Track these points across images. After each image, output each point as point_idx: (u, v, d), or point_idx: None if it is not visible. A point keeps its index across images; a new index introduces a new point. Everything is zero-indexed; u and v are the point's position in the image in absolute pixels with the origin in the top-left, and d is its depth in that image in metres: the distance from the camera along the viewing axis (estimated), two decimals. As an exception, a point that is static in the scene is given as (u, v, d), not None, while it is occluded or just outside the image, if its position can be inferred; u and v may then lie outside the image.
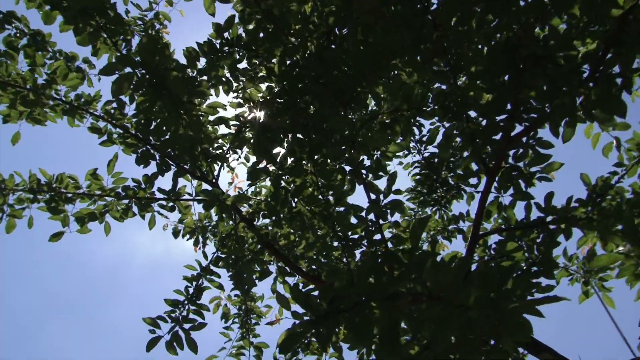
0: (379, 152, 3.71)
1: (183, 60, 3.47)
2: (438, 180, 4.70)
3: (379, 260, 2.35)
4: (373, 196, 3.55)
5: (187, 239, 4.80)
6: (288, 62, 3.60)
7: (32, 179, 4.18)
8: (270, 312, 4.77)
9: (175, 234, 4.72)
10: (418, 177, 4.77)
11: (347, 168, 3.62)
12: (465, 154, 3.41)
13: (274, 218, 3.83)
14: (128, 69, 2.91)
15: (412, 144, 4.71)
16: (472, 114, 3.39)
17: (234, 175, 4.80)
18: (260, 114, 3.66)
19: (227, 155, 4.09)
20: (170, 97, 3.07)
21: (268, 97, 3.75)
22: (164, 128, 3.48)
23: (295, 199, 3.77)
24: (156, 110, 3.10)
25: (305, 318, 2.29)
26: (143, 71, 2.93)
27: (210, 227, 4.94)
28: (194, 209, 4.84)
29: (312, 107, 3.62)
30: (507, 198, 3.27)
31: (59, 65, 4.03)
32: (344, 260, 3.94)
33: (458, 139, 3.30)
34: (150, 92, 2.98)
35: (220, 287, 4.08)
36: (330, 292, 2.21)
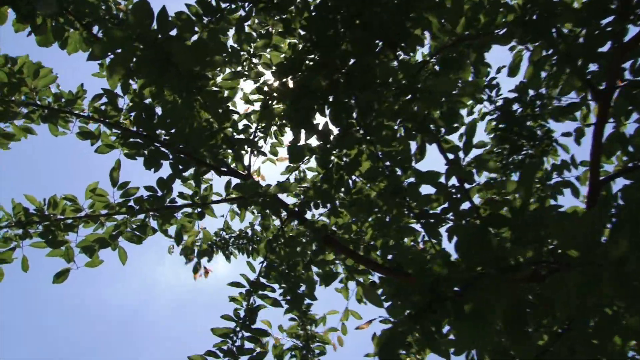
0: (446, 100, 3.73)
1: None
2: (522, 134, 4.66)
3: (481, 227, 2.41)
4: (451, 156, 3.62)
5: (207, 260, 5.01)
6: (313, 4, 3.64)
7: (18, 209, 4.32)
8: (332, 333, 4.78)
9: (187, 251, 4.91)
10: (496, 133, 4.74)
11: (410, 127, 3.67)
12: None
13: (329, 206, 3.91)
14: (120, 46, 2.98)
15: (483, 93, 4.69)
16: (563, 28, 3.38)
17: (260, 176, 4.96)
18: (288, 79, 3.73)
19: (255, 138, 4.13)
20: (178, 74, 3.13)
21: (293, 57, 3.80)
22: (174, 116, 3.57)
23: (352, 177, 3.85)
24: (163, 93, 3.16)
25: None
26: (141, 46, 3.00)
27: (248, 234, 5.08)
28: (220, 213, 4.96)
29: (351, 58, 3.66)
30: (630, 126, 3.23)
31: (24, 61, 4.14)
32: (429, 242, 4.00)
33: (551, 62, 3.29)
34: (154, 71, 3.06)
35: (276, 303, 4.19)
36: (427, 277, 2.27)
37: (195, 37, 3.27)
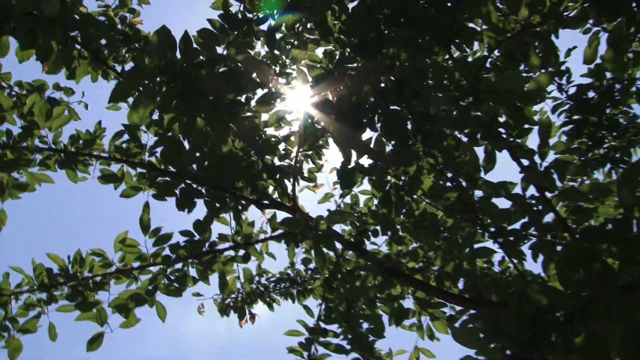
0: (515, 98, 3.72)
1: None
2: (602, 124, 4.58)
3: (580, 244, 2.38)
4: (525, 162, 3.60)
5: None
6: (350, 4, 3.68)
7: (39, 270, 4.40)
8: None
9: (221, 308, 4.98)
10: (570, 125, 4.70)
11: (474, 133, 3.67)
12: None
13: (390, 233, 3.92)
14: (145, 82, 3.06)
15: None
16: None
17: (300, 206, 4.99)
18: (328, 91, 3.74)
19: (297, 165, 4.20)
20: (209, 104, 3.22)
21: (330, 67, 3.85)
22: (207, 148, 3.64)
23: (414, 197, 3.86)
24: (194, 125, 3.23)
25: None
26: (165, 79, 3.09)
27: (290, 276, 5.12)
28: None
29: (399, 62, 3.68)
30: None
31: (34, 100, 4.22)
32: (506, 262, 3.98)
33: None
34: (184, 103, 3.12)
35: (341, 349, 4.19)
36: (526, 306, 2.25)
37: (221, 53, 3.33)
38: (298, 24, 4.17)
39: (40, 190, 4.49)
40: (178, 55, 3.12)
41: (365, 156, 3.71)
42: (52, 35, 3.75)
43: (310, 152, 4.69)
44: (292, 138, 4.34)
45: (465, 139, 3.65)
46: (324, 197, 4.84)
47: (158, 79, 3.10)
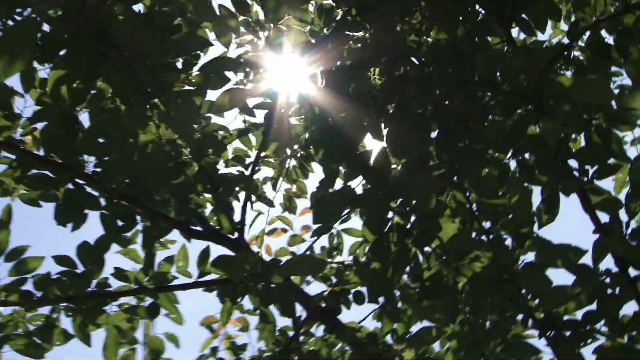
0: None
1: None
2: None
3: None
4: (604, 217, 3.59)
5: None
6: None
7: None
8: None
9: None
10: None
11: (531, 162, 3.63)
12: None
13: (382, 300, 3.92)
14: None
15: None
16: None
17: (266, 247, 5.02)
18: (316, 73, 3.74)
19: (256, 178, 4.16)
20: (124, 62, 3.13)
21: (327, 33, 3.84)
22: (113, 134, 3.59)
23: (425, 248, 3.84)
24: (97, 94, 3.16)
25: None
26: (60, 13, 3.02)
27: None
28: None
29: (426, 37, 3.69)
30: None
31: None
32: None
33: None
34: (83, 55, 3.08)
35: None
36: None
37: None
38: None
39: None
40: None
41: (360, 177, 3.71)
42: None
43: (286, 163, 4.68)
44: (252, 135, 4.27)
45: (516, 170, 3.65)
46: (291, 238, 4.90)
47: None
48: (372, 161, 3.63)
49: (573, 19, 3.88)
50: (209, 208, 4.33)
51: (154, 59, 3.39)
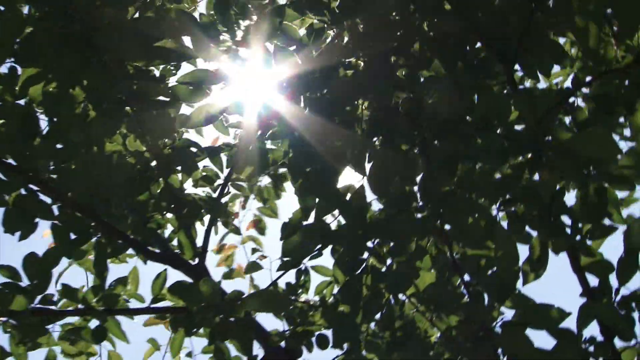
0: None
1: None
2: None
3: None
4: (593, 280, 3.44)
5: None
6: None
7: None
8: None
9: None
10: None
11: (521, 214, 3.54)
12: None
13: (346, 346, 3.77)
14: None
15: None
16: None
17: (227, 258, 4.88)
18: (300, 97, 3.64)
19: (225, 201, 4.09)
20: (103, 65, 3.11)
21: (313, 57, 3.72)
22: (75, 139, 3.48)
23: (400, 295, 3.73)
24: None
25: None
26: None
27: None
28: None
29: (424, 69, 3.61)
30: None
31: None
32: None
33: None
34: (66, 56, 3.05)
35: None
36: None
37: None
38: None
39: None
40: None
41: (336, 210, 3.62)
42: None
43: (258, 184, 4.63)
44: (223, 155, 4.19)
45: (504, 220, 3.58)
46: (230, 271, 4.82)
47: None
48: (350, 196, 3.57)
49: (577, 65, 3.79)
50: (169, 229, 4.25)
51: (134, 66, 3.38)
